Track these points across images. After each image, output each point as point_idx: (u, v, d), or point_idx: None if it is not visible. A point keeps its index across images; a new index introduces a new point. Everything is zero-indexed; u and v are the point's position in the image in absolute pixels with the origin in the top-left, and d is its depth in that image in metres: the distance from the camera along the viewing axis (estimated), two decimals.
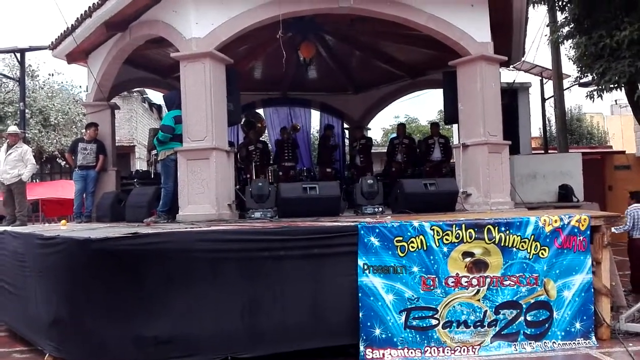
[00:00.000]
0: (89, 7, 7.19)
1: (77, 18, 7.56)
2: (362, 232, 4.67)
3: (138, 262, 4.47)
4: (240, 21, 6.45)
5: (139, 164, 18.59)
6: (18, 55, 11.87)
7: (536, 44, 23.30)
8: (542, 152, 14.20)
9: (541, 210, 6.91)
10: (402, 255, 4.65)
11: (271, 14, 6.46)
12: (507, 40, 8.28)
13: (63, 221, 7.25)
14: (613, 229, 5.64)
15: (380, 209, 6.71)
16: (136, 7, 6.87)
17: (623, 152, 16.47)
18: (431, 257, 4.67)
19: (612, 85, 8.59)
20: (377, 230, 4.67)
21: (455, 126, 9.75)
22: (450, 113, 7.52)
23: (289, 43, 8.45)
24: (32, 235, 5.34)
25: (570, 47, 10.32)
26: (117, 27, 7.39)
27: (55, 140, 16.16)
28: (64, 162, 15.89)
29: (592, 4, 8.87)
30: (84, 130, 9.02)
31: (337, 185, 6.81)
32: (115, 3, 6.76)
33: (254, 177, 9.16)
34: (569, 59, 10.94)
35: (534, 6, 9.41)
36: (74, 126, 16.89)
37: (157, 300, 4.45)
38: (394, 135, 11.32)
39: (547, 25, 11.02)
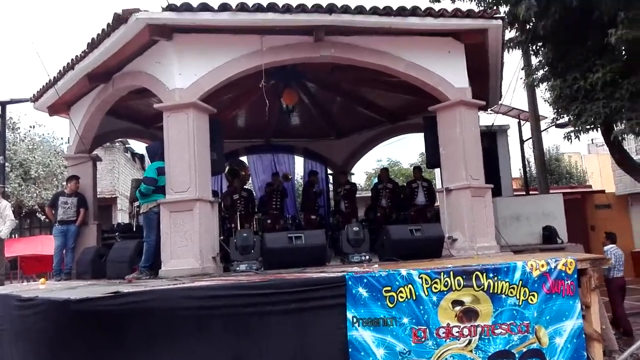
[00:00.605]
0: (72, 59, 7.20)
1: (60, 70, 7.55)
2: (349, 282, 4.58)
3: (120, 322, 4.30)
4: (224, 71, 6.51)
5: (121, 215, 18.32)
6: None
7: (512, 87, 23.89)
8: (524, 193, 14.36)
9: (527, 254, 6.91)
10: (391, 306, 4.55)
11: (254, 64, 6.54)
12: (484, 84, 8.49)
13: (42, 279, 7.01)
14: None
15: (367, 257, 6.63)
16: (119, 58, 6.90)
17: (603, 192, 16.75)
18: (421, 307, 4.57)
19: (588, 127, 8.76)
20: (365, 281, 4.59)
21: (437, 170, 9.84)
22: (432, 157, 7.58)
23: (272, 91, 8.53)
24: (9, 297, 5.14)
25: (546, 89, 10.58)
26: (100, 78, 7.39)
27: (35, 194, 15.88)
28: (44, 217, 15.58)
29: (565, 48, 9.14)
30: (64, 183, 8.89)
31: (322, 234, 6.73)
32: (99, 55, 6.76)
33: (239, 227, 9.05)
34: (545, 101, 11.20)
35: (508, 51, 9.67)
36: (54, 179, 16.67)
37: None
38: (377, 180, 11.37)
39: (522, 69, 11.33)
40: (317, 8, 6.12)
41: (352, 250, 6.72)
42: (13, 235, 15.61)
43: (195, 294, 4.48)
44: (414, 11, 6.44)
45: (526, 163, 16.35)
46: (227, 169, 10.71)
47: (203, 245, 6.13)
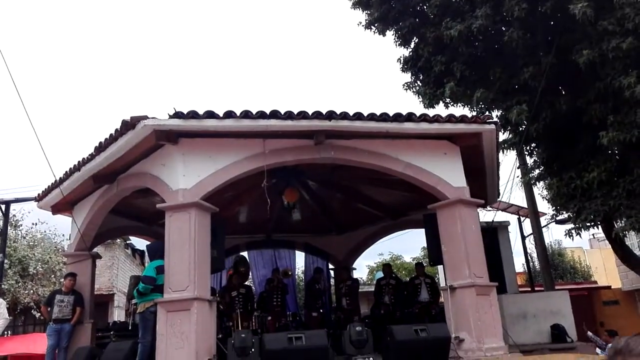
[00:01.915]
0: (79, 161, 7.40)
1: (66, 172, 7.73)
2: None
3: None
4: (227, 173, 6.66)
5: (118, 312, 17.89)
6: (3, 206, 11.91)
7: (510, 185, 24.26)
8: (529, 289, 14.11)
9: (537, 354, 6.68)
10: None
11: (256, 165, 6.72)
12: (482, 183, 8.64)
13: None
14: None
15: (371, 358, 6.40)
16: (125, 161, 7.11)
17: (609, 287, 16.48)
18: None
19: (588, 224, 8.81)
20: None
21: (440, 266, 9.75)
22: (434, 255, 7.56)
23: (273, 189, 8.69)
24: None
25: (543, 187, 10.77)
26: (105, 179, 7.56)
27: (32, 291, 15.62)
28: (39, 314, 15.22)
29: (558, 148, 9.43)
30: (62, 280, 8.81)
31: (324, 334, 6.52)
32: (105, 158, 6.97)
33: (238, 324, 8.82)
34: (543, 198, 11.38)
35: (503, 152, 9.97)
36: (53, 276, 16.46)
37: None
38: (381, 275, 11.24)
39: (518, 168, 11.60)
40: (317, 114, 6.40)
41: (355, 351, 6.49)
42: (6, 333, 15.12)
43: None
44: (410, 117, 6.73)
45: (529, 258, 16.23)
46: (233, 262, 10.66)
47: (199, 346, 5.95)
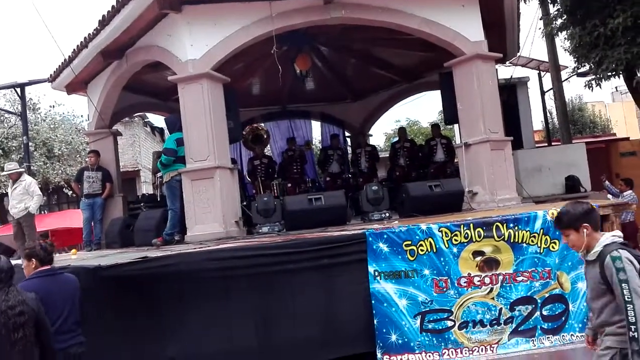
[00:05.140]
0: (85, 37, 7.27)
1: (74, 49, 7.63)
2: (370, 239, 4.67)
3: (150, 286, 4.49)
4: (235, 40, 6.51)
5: (145, 187, 18.69)
6: (18, 90, 11.96)
7: (530, 37, 23.22)
8: (546, 144, 14.15)
9: (549, 204, 6.89)
10: (412, 259, 4.64)
11: (264, 30, 6.51)
12: (501, 37, 8.31)
13: (73, 250, 7.25)
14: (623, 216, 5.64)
15: (387, 214, 6.71)
16: (131, 34, 6.95)
17: (627, 139, 16.39)
18: (442, 259, 4.65)
19: (609, 74, 8.57)
20: (385, 236, 4.67)
21: (456, 126, 9.75)
22: (450, 114, 7.52)
23: (284, 57, 8.50)
24: None
25: (565, 38, 10.31)
26: (114, 55, 7.46)
27: (60, 171, 16.27)
28: (71, 192, 16.00)
29: None
30: (87, 159, 9.14)
31: (342, 194, 6.81)
32: (110, 32, 6.84)
33: (260, 191, 9.21)
34: (565, 50, 10.95)
35: (525, 1, 9.44)
36: (78, 155, 16.99)
37: (171, 322, 4.47)
38: (396, 139, 11.34)
39: (540, 19, 11.03)
40: None
41: (372, 208, 6.79)
42: (42, 211, 16.08)
43: (220, 256, 4.63)
44: None
45: (548, 114, 16.04)
46: (250, 137, 10.85)
47: (225, 210, 6.27)
